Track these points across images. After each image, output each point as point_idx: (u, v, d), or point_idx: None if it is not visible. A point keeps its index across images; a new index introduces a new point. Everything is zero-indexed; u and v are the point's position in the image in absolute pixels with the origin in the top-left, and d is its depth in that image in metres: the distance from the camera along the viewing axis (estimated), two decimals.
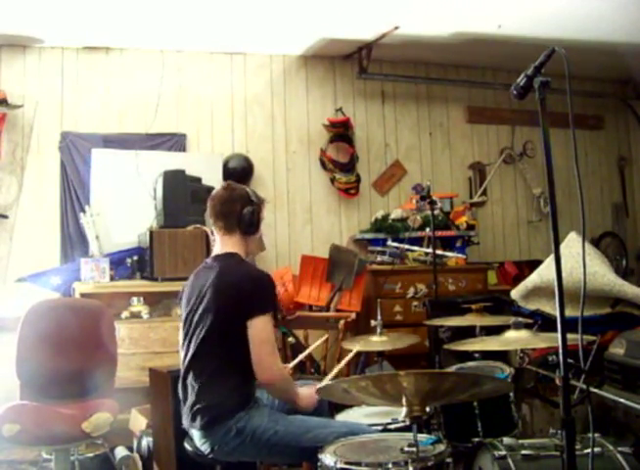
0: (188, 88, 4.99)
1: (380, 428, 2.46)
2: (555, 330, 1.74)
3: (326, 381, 2.63)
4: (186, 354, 2.51)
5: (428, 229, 4.84)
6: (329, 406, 2.74)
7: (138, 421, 3.64)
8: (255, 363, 2.37)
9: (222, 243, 2.60)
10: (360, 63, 5.26)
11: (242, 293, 2.40)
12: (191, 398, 2.46)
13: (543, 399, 3.57)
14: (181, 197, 4.34)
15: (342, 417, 2.72)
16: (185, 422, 2.49)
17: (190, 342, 2.50)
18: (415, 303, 4.79)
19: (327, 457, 2.07)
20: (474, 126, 5.85)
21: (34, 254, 4.47)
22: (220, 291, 2.43)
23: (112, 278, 4.20)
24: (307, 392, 2.51)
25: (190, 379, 2.48)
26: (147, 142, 4.76)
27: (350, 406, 2.81)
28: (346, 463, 2.01)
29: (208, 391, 2.41)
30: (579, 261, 3.79)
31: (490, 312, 3.21)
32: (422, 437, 2.05)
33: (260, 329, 2.38)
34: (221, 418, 2.37)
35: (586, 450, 2.02)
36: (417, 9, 4.40)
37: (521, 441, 2.28)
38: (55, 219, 4.58)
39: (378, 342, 3.03)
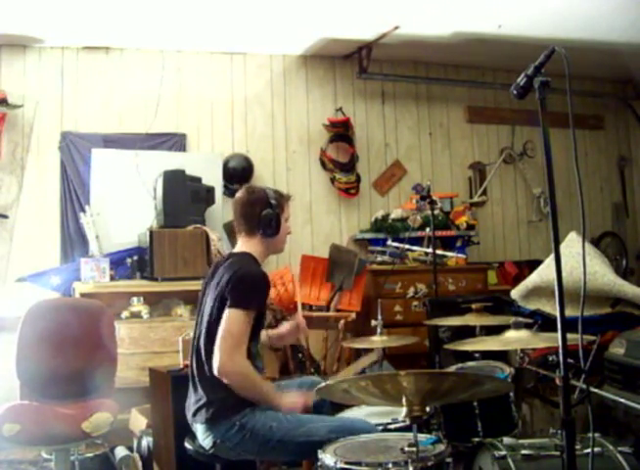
0: (188, 88, 4.99)
1: (379, 427, 2.46)
2: (555, 330, 1.74)
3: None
4: (193, 350, 2.55)
5: (428, 229, 4.84)
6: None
7: (138, 421, 3.63)
8: (214, 355, 2.35)
9: (241, 243, 2.64)
10: (360, 63, 5.26)
11: (228, 286, 2.42)
12: (197, 392, 2.48)
13: (543, 399, 3.57)
14: (181, 197, 4.34)
15: None
16: (189, 416, 2.51)
17: (197, 337, 2.55)
18: (415, 302, 4.79)
19: (327, 457, 2.07)
20: (474, 126, 5.85)
21: (34, 254, 4.47)
22: (219, 286, 2.47)
23: (112, 278, 4.20)
24: (292, 398, 2.50)
25: (196, 375, 2.50)
26: (147, 142, 4.76)
27: (350, 406, 2.81)
28: (346, 463, 2.00)
29: (214, 388, 2.42)
30: (579, 261, 3.78)
31: (490, 312, 3.21)
32: (422, 437, 2.04)
33: (228, 321, 2.37)
34: (226, 413, 2.39)
35: (586, 450, 2.03)
36: (417, 9, 4.40)
37: (521, 441, 2.29)
38: (55, 219, 4.58)
39: (378, 341, 3.03)
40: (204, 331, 2.49)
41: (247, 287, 2.43)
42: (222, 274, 2.50)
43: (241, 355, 2.37)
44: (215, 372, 2.35)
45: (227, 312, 2.38)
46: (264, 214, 2.57)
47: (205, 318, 2.50)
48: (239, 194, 2.67)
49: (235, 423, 2.37)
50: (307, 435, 2.34)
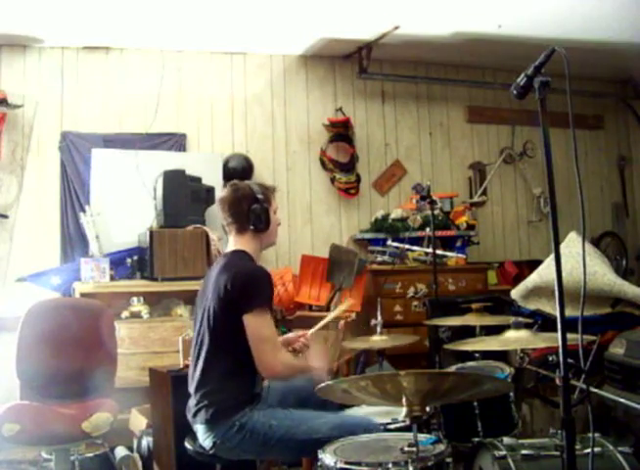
0: (188, 88, 4.99)
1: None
2: (555, 330, 1.74)
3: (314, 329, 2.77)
4: (194, 351, 2.54)
5: (428, 229, 4.84)
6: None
7: (138, 421, 3.64)
8: (256, 361, 2.41)
9: (234, 241, 2.63)
10: (360, 63, 5.26)
11: (233, 290, 2.42)
12: (197, 394, 2.48)
13: (543, 399, 3.57)
14: (181, 197, 4.34)
15: None
16: (189, 417, 2.51)
17: (197, 338, 2.54)
18: (415, 302, 4.79)
19: (327, 457, 2.06)
20: (474, 126, 5.85)
21: (34, 254, 4.47)
22: (218, 288, 2.46)
23: (112, 278, 4.20)
24: (319, 362, 2.57)
25: (197, 378, 2.49)
26: (147, 142, 4.76)
27: (350, 406, 2.80)
28: (346, 463, 2.00)
29: (214, 390, 2.42)
30: (579, 261, 3.79)
31: (490, 312, 3.21)
32: (422, 437, 2.04)
33: (253, 327, 2.40)
34: (226, 413, 2.39)
35: (586, 450, 2.02)
36: (417, 9, 4.40)
37: (521, 441, 2.28)
38: (55, 219, 4.58)
39: (378, 341, 3.03)
40: (207, 336, 2.47)
41: (255, 288, 2.43)
42: (219, 276, 2.48)
43: (282, 353, 2.51)
44: (266, 376, 2.48)
45: (248, 319, 2.39)
46: (253, 210, 2.56)
47: (210, 323, 2.47)
48: (224, 193, 2.65)
49: (235, 423, 2.37)
50: (309, 433, 2.34)
